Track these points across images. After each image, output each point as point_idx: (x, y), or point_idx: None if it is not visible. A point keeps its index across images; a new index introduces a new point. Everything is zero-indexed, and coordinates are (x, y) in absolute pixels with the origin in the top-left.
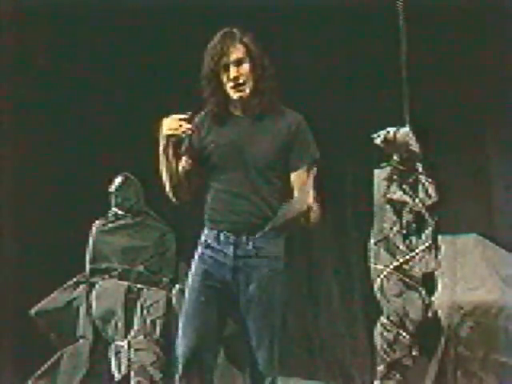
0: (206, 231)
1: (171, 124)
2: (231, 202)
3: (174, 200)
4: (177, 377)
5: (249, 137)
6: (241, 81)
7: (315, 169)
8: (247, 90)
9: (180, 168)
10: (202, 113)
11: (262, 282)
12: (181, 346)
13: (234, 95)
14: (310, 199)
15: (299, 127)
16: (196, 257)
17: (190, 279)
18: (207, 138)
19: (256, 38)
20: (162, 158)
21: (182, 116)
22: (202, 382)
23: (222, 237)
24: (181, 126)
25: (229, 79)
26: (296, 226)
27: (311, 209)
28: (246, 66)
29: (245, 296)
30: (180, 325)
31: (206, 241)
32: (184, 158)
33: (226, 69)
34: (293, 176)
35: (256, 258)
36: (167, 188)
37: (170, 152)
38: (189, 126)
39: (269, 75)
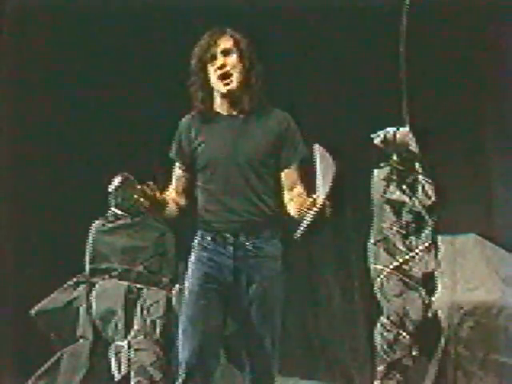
0: (201, 233)
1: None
2: (226, 201)
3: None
4: (180, 381)
5: (240, 134)
6: (227, 69)
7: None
8: (235, 82)
9: (174, 177)
10: (188, 116)
11: (264, 283)
12: (184, 351)
13: (222, 89)
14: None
15: (289, 126)
16: (193, 259)
17: (188, 282)
18: (197, 139)
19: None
20: None
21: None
22: None
23: (219, 238)
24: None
25: (216, 68)
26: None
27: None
28: (233, 57)
29: (246, 297)
30: (181, 329)
31: (201, 242)
32: (177, 165)
33: (214, 59)
34: (283, 174)
35: (256, 259)
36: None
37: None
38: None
39: (257, 71)
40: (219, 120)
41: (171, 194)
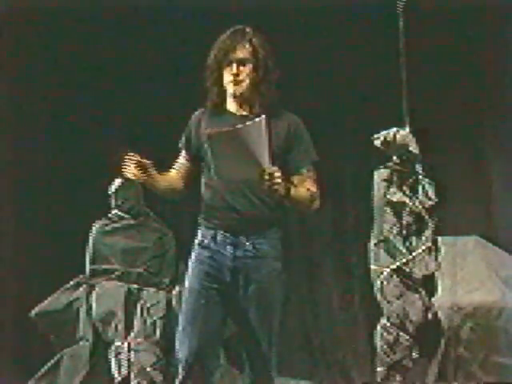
0: (202, 230)
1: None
2: (228, 198)
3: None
4: (178, 380)
5: None
6: (240, 78)
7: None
8: (244, 86)
9: (176, 164)
10: (200, 110)
11: (262, 283)
12: (182, 350)
13: (231, 89)
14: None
15: (298, 129)
16: (193, 258)
17: (187, 281)
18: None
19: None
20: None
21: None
22: None
23: (219, 237)
24: (141, 172)
25: (230, 74)
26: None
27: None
28: (249, 67)
29: (244, 297)
30: (179, 328)
31: (202, 241)
32: (183, 154)
33: (230, 64)
34: (296, 179)
35: (255, 259)
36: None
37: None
38: (146, 175)
39: (271, 79)
40: (229, 118)
41: (171, 175)
